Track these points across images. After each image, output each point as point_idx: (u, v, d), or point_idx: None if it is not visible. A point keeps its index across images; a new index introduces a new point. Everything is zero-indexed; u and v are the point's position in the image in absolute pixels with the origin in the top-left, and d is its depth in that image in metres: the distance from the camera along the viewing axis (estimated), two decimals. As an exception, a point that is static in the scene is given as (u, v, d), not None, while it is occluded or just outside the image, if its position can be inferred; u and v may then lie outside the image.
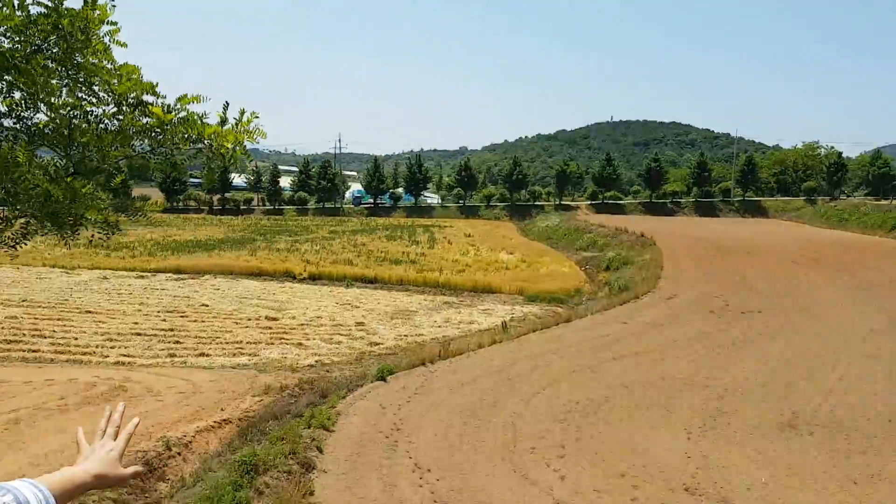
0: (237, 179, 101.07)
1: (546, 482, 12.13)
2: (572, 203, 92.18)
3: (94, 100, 3.24)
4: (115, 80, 3.31)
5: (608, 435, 14.40)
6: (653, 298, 30.71)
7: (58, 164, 3.23)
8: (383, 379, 17.81)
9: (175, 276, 38.82)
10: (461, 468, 12.79)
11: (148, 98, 3.23)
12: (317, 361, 22.02)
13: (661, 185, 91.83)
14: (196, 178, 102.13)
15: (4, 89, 3.12)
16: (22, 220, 3.33)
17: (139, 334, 24.80)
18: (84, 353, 22.23)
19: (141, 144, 3.33)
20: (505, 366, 19.65)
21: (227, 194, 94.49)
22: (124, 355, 22.15)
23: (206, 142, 3.26)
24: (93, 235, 3.62)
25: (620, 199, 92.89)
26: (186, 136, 3.24)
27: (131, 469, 1.74)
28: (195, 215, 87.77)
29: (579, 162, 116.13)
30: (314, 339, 25.04)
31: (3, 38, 3.15)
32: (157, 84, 3.36)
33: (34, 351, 22.14)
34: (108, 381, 18.83)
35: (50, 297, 31.12)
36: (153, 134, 3.24)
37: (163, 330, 25.53)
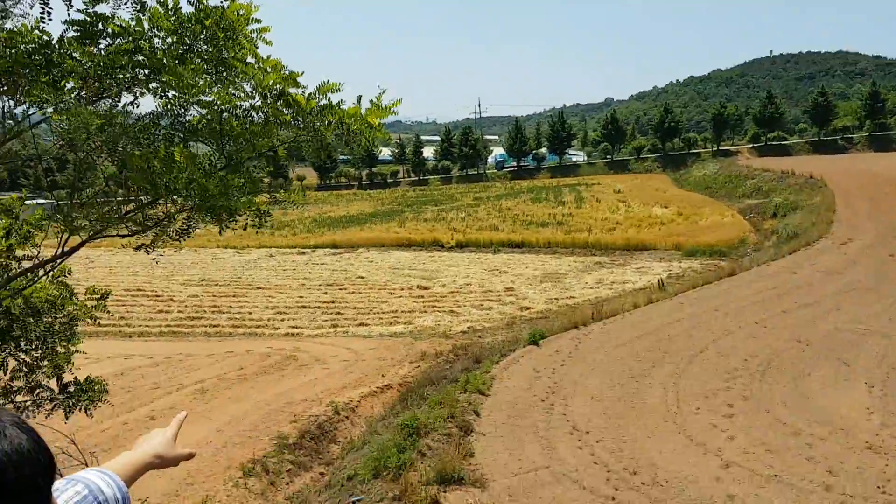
0: (383, 153, 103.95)
1: (713, 443, 11.65)
2: (732, 148, 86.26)
3: (241, 94, 3.39)
4: (261, 75, 3.44)
5: (780, 392, 13.55)
6: (825, 244, 28.40)
7: (212, 158, 3.44)
8: (536, 343, 17.80)
9: (332, 251, 40.85)
10: (621, 430, 12.56)
11: (291, 90, 3.34)
12: (469, 328, 22.41)
13: (829, 122, 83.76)
14: (345, 155, 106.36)
15: (159, 90, 3.34)
16: (183, 215, 3.59)
17: (304, 307, 26.40)
18: (258, 326, 24.03)
19: (286, 133, 3.46)
20: (663, 325, 18.99)
21: (373, 168, 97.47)
22: (293, 327, 23.71)
23: (344, 126, 3.32)
24: (246, 223, 3.84)
25: (785, 140, 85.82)
26: (327, 123, 3.32)
27: (186, 451, 1.89)
28: (346, 191, 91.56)
29: (737, 103, 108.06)
30: (465, 305, 25.48)
31: (157, 40, 3.36)
32: (301, 73, 3.46)
33: (214, 326, 24.22)
34: (280, 352, 20.23)
35: (225, 275, 33.83)
36: (296, 123, 3.35)
37: (325, 302, 27.01)
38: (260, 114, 3.43)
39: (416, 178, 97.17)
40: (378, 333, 22.34)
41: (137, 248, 3.78)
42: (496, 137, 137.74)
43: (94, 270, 35.70)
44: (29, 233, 4.31)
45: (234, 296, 29.02)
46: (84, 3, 3.27)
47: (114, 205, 3.47)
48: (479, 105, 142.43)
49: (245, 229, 3.91)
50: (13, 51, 2.97)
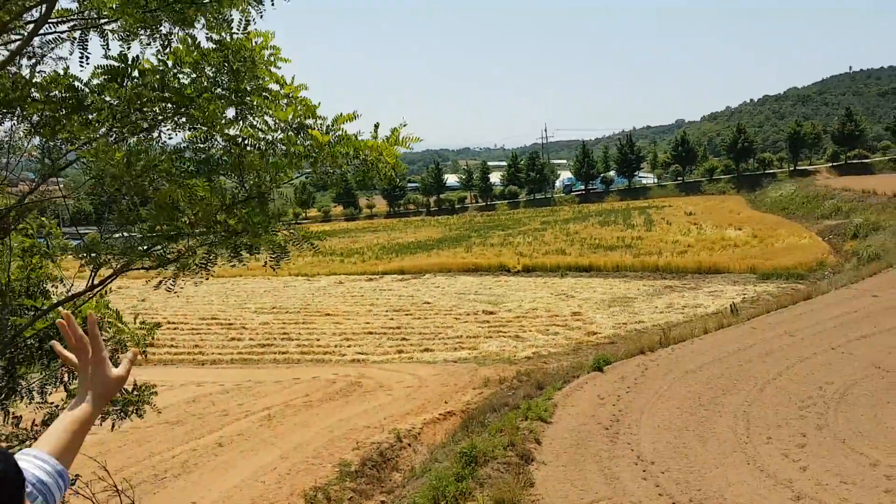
0: (450, 179, 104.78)
1: (785, 474, 11.12)
2: (809, 167, 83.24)
3: (264, 127, 3.52)
4: (283, 102, 3.57)
5: (857, 422, 12.84)
6: (910, 266, 26.93)
7: (233, 192, 3.57)
8: (600, 369, 17.45)
9: (399, 277, 41.26)
10: (688, 460, 12.14)
11: (308, 121, 3.46)
12: (534, 353, 22.18)
13: (914, 138, 79.78)
14: (414, 182, 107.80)
15: (187, 124, 3.51)
16: (203, 250, 3.73)
17: (371, 333, 26.70)
18: (325, 353, 24.43)
19: (306, 165, 3.57)
20: (735, 351, 18.34)
21: (441, 195, 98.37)
22: (359, 353, 23.99)
23: (360, 158, 3.40)
24: (266, 260, 3.93)
25: (867, 158, 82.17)
26: (343, 154, 3.41)
27: (124, 364, 1.66)
28: (414, 217, 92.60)
29: (815, 121, 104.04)
30: (530, 330, 25.26)
31: (182, 76, 3.53)
32: (318, 105, 3.57)
33: (283, 353, 24.75)
34: (345, 378, 20.49)
35: (295, 303, 34.60)
36: (314, 155, 3.45)
37: (391, 328, 27.26)
38: (280, 146, 3.55)
39: (484, 204, 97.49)
40: (442, 359, 22.36)
41: (157, 287, 3.93)
42: (564, 162, 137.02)
43: (172, 300, 37.09)
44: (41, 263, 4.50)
45: (303, 323, 29.63)
46: (120, 46, 3.49)
47: (136, 240, 3.63)
48: (546, 130, 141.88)
49: (265, 265, 4.01)
50: (49, 95, 3.20)
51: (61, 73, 3.36)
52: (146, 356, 5.05)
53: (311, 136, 3.35)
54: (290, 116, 3.40)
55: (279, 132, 3.53)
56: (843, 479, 10.61)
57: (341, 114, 3.36)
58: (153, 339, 4.99)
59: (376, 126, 3.43)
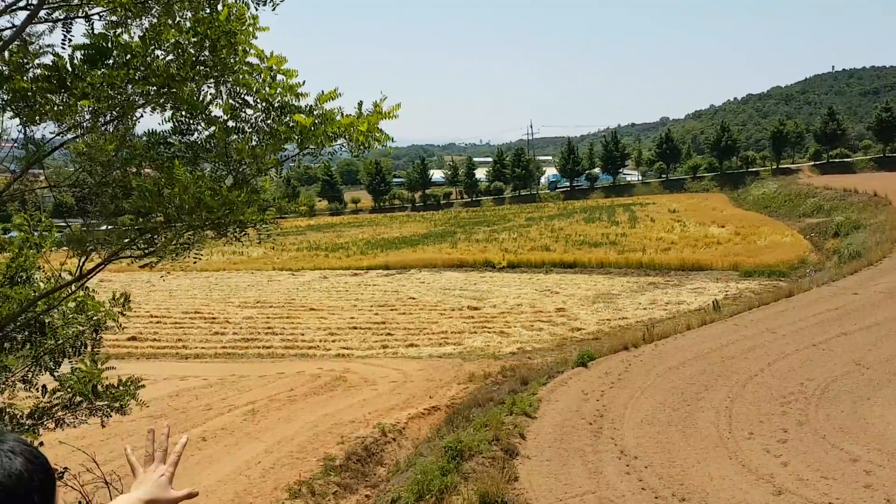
0: (436, 175, 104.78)
1: (766, 469, 11.23)
2: (792, 166, 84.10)
3: (248, 110, 3.48)
4: (268, 77, 3.52)
5: (838, 417, 12.99)
6: (890, 264, 27.31)
7: (219, 175, 3.53)
8: (584, 365, 17.53)
9: (384, 272, 41.15)
10: (670, 455, 12.22)
11: (289, 99, 3.42)
12: (518, 349, 22.24)
13: (894, 138, 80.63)
14: (399, 177, 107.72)
15: (168, 105, 3.47)
16: (188, 233, 3.68)
17: (355, 328, 26.63)
18: (309, 348, 24.34)
19: (291, 148, 3.53)
20: (717, 347, 18.48)
21: (427, 190, 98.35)
22: (343, 348, 23.92)
23: (346, 136, 3.38)
24: (259, 237, 3.90)
25: (848, 157, 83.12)
26: (328, 133, 3.38)
27: (184, 491, 1.85)
28: (399, 213, 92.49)
29: (797, 120, 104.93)
30: (515, 326, 25.32)
31: (160, 53, 3.48)
32: (303, 83, 3.53)
33: (267, 347, 24.63)
34: (330, 373, 20.43)
35: (280, 297, 34.41)
36: (299, 135, 3.42)
37: (376, 323, 27.20)
38: (265, 125, 3.51)
39: (469, 200, 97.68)
40: (427, 354, 22.36)
41: (143, 266, 3.89)
42: (549, 158, 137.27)
43: (154, 293, 36.83)
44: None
45: (287, 317, 29.49)
46: (104, 24, 3.44)
47: (123, 228, 3.58)
48: (532, 126, 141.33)
49: (260, 243, 3.99)
50: (29, 73, 3.15)
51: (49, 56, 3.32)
52: (120, 327, 4.96)
53: (294, 118, 3.32)
54: (275, 93, 3.37)
55: (261, 112, 3.49)
56: (824, 475, 10.73)
57: (323, 91, 3.34)
58: (128, 309, 4.92)
59: (360, 104, 3.41)
